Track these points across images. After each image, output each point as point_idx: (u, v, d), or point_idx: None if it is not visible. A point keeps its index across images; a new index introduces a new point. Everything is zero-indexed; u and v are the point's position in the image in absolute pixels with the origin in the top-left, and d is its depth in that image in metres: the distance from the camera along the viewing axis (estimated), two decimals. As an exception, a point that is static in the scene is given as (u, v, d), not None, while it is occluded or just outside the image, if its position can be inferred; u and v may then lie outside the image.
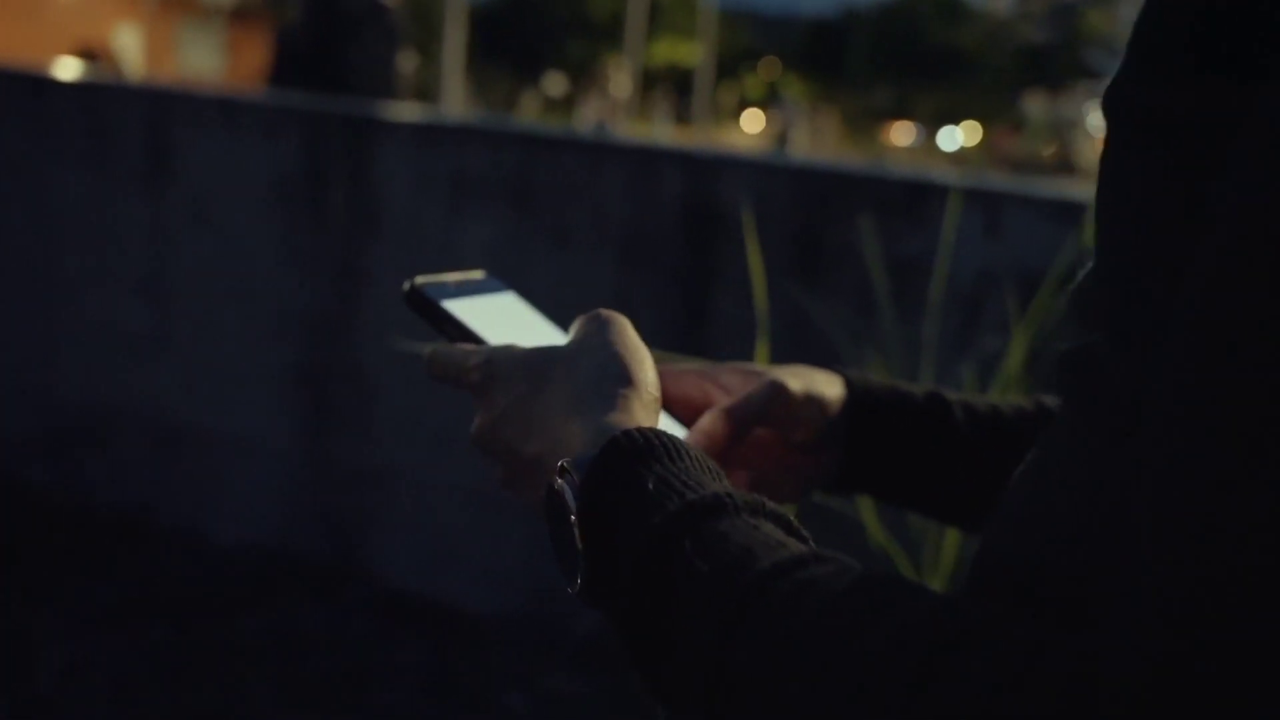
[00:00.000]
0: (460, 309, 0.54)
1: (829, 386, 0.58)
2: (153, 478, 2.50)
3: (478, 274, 0.57)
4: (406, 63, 4.66)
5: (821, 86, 26.54)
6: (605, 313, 0.50)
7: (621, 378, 0.46)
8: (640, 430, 0.43)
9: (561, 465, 0.43)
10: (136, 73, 15.45)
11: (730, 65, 25.21)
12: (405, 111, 2.54)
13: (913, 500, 0.61)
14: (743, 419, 0.55)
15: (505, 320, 0.55)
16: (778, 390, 0.56)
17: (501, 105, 21.52)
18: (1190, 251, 0.31)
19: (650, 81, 22.77)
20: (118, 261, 2.46)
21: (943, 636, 0.30)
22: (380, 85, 3.92)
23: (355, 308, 2.28)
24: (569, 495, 0.42)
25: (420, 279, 0.54)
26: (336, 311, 2.30)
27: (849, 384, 0.59)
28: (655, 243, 2.05)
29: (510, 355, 0.49)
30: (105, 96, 2.48)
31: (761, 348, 1.02)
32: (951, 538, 1.02)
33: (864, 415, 0.58)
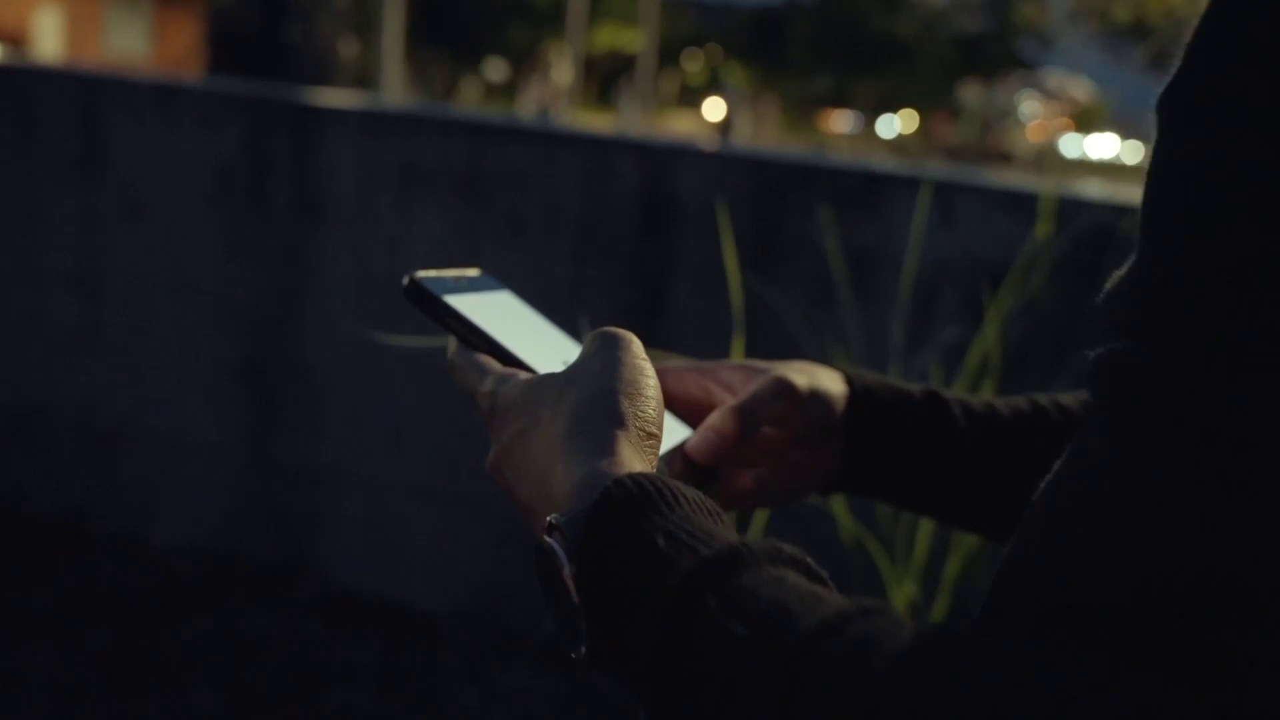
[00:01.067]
0: (463, 304, 0.52)
1: (832, 383, 0.57)
2: (89, 479, 2.41)
3: (473, 271, 0.56)
4: (347, 47, 4.56)
5: (762, 74, 26.66)
6: (610, 333, 0.46)
7: (610, 414, 0.43)
8: (632, 477, 0.39)
9: (550, 521, 0.40)
10: (51, 56, 14.88)
11: (672, 52, 25.17)
12: (352, 99, 2.48)
13: (911, 499, 0.59)
14: (752, 417, 0.53)
15: (507, 317, 0.54)
16: (785, 387, 0.54)
17: (441, 91, 21.21)
18: (1257, 257, 0.30)
19: (593, 68, 22.62)
20: (48, 254, 2.36)
21: (1046, 701, 0.28)
22: (323, 70, 3.83)
23: (302, 301, 2.22)
24: (561, 555, 0.39)
25: (420, 273, 0.52)
26: (282, 305, 2.24)
27: (849, 381, 0.58)
28: (611, 234, 2.02)
29: (512, 386, 0.46)
30: (33, 82, 2.37)
31: (738, 343, 1.01)
32: (924, 531, 1.02)
33: (865, 413, 0.57)
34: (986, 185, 1.89)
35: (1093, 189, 1.97)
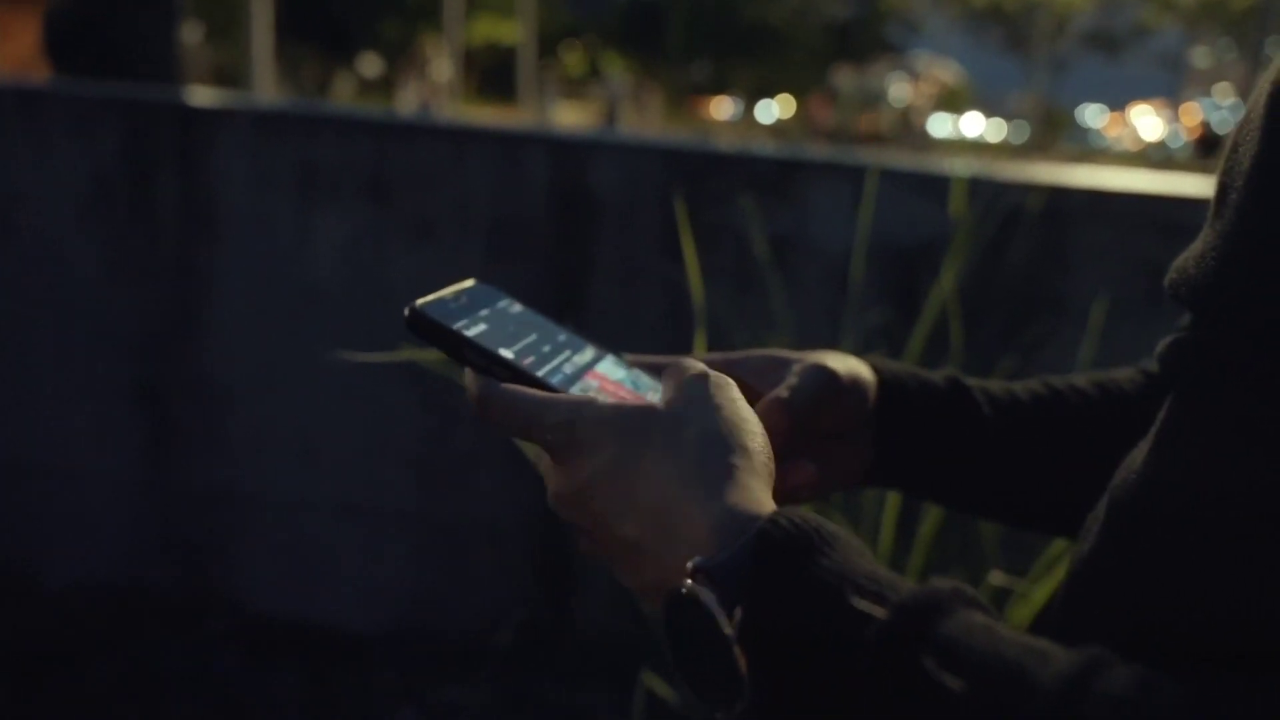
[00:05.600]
0: (475, 329, 0.47)
1: (866, 372, 0.54)
2: (-33, 519, 2.22)
3: (469, 283, 0.51)
4: (191, 36, 4.31)
5: (641, 63, 26.74)
6: (708, 371, 0.43)
7: (732, 447, 0.40)
8: (785, 515, 0.36)
9: (694, 565, 0.36)
10: None
11: (550, 44, 24.96)
12: (240, 99, 2.35)
13: (936, 490, 0.57)
14: (799, 408, 0.50)
15: (522, 335, 0.49)
16: (829, 376, 0.52)
17: (314, 89, 20.51)
18: None
19: (471, 61, 22.22)
20: (-96, 278, 2.16)
21: None
22: (160, 64, 3.60)
23: (196, 316, 2.10)
24: (714, 604, 0.35)
25: (420, 302, 0.46)
26: (175, 321, 2.11)
27: (876, 370, 0.55)
28: (524, 231, 1.97)
29: (597, 413, 0.42)
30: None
31: (700, 339, 0.98)
32: (890, 515, 1.01)
33: (895, 403, 0.54)
34: (898, 169, 1.91)
35: (989, 169, 2.01)
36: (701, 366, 0.44)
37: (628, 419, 0.42)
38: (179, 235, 2.07)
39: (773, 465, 0.42)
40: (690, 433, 0.41)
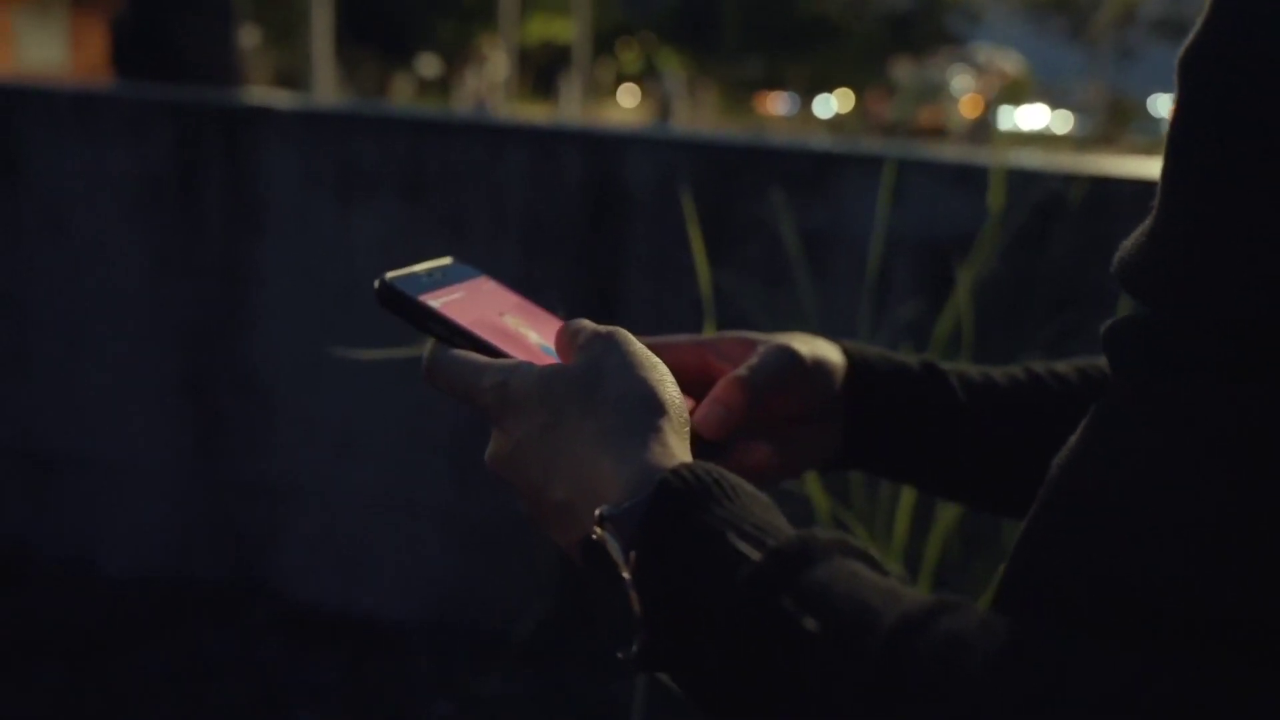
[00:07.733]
0: (442, 303, 0.48)
1: (832, 354, 0.54)
2: (27, 510, 2.31)
3: (446, 261, 0.52)
4: (249, 38, 4.42)
5: (696, 60, 26.68)
6: (611, 330, 0.44)
7: (649, 403, 0.41)
8: (688, 467, 0.38)
9: (601, 514, 0.38)
10: None
11: (605, 41, 25.06)
12: (285, 99, 2.40)
13: (909, 473, 0.57)
14: (758, 386, 0.50)
15: (490, 309, 0.50)
16: (790, 355, 0.51)
17: (373, 89, 20.88)
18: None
19: (527, 60, 22.42)
20: (-31, 276, 2.25)
21: (1172, 712, 0.26)
22: (219, 67, 3.70)
23: (242, 311, 2.15)
24: (616, 549, 0.37)
25: (390, 274, 0.48)
26: (221, 316, 2.16)
27: (846, 352, 0.55)
28: (559, 227, 1.98)
29: (525, 377, 0.43)
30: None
31: (708, 330, 0.98)
32: (905, 509, 1.00)
33: (865, 385, 0.54)
34: (934, 160, 1.88)
35: (1032, 159, 1.97)
36: (596, 325, 0.45)
37: (550, 381, 0.42)
38: (225, 233, 2.13)
39: (686, 414, 0.43)
40: (609, 392, 0.41)
